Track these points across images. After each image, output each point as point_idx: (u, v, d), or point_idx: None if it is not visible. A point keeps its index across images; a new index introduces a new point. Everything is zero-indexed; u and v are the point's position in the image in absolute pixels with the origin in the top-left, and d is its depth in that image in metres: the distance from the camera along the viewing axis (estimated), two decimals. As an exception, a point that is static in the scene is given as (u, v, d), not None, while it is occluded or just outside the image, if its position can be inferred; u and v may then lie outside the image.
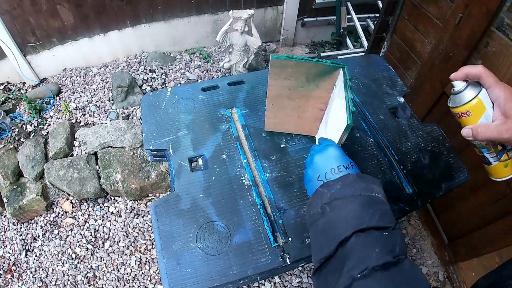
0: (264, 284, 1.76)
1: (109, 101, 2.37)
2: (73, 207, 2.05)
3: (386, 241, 0.46)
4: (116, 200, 2.09)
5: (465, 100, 0.61)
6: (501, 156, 0.64)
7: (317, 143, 0.73)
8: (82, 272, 1.84)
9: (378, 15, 2.33)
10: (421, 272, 0.46)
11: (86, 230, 1.97)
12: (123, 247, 1.91)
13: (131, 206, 2.07)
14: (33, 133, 2.21)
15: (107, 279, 1.81)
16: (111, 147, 2.09)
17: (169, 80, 2.52)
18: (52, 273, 1.85)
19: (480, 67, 0.58)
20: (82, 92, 2.43)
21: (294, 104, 0.88)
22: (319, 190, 0.57)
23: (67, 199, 2.06)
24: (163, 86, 2.50)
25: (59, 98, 2.41)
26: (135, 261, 1.86)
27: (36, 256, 1.92)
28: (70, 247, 1.92)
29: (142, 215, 2.04)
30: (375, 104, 1.13)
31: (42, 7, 2.19)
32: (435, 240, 1.92)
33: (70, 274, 1.84)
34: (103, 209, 2.05)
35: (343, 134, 0.69)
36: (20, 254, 1.92)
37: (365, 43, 2.64)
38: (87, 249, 1.91)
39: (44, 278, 1.84)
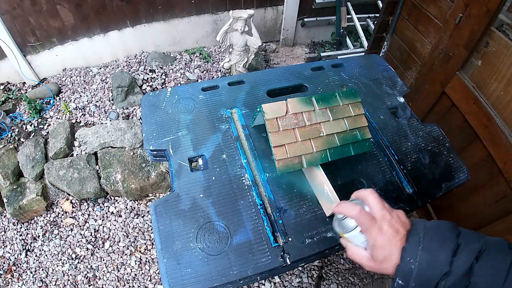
0: (264, 284, 1.76)
1: (109, 101, 2.36)
2: (73, 207, 2.05)
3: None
4: (116, 200, 2.09)
5: (342, 231, 0.64)
6: None
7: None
8: (82, 272, 1.84)
9: (378, 15, 2.33)
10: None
11: (86, 230, 1.97)
12: (123, 247, 1.91)
13: (131, 206, 2.07)
14: (33, 133, 2.20)
15: (107, 279, 1.81)
16: (111, 147, 2.09)
17: (169, 80, 2.52)
18: (52, 273, 1.85)
19: (353, 214, 0.60)
20: (82, 92, 2.43)
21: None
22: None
23: (67, 199, 2.06)
24: (163, 86, 2.50)
25: (59, 98, 2.41)
26: (135, 261, 1.86)
27: (36, 256, 1.92)
28: (70, 247, 1.92)
29: (142, 215, 2.04)
30: (375, 104, 1.13)
31: (42, 7, 2.19)
32: (435, 240, 1.91)
33: (70, 274, 1.84)
34: (103, 209, 2.05)
35: None
36: (20, 254, 1.92)
37: (365, 43, 2.64)
38: (87, 249, 1.91)
39: (44, 278, 1.84)
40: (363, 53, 2.62)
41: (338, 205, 0.64)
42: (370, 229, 0.58)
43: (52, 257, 1.90)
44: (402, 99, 1.16)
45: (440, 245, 0.52)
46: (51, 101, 2.39)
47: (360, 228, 0.61)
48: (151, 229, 1.97)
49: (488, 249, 0.51)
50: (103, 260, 1.87)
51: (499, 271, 0.49)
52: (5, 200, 1.95)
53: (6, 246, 1.96)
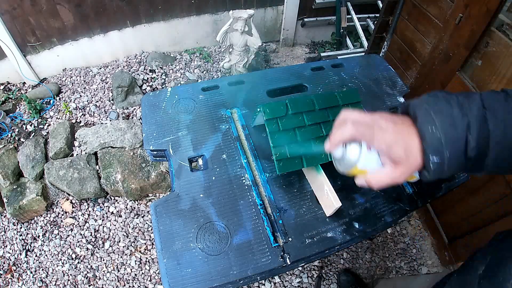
0: (264, 284, 1.76)
1: (109, 101, 2.36)
2: (73, 207, 2.05)
3: None
4: (116, 200, 2.09)
5: (351, 165, 0.57)
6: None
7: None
8: (82, 272, 1.84)
9: (378, 15, 2.33)
10: None
11: (86, 230, 1.97)
12: (123, 247, 1.91)
13: (131, 206, 2.07)
14: (33, 133, 2.20)
15: (107, 279, 1.81)
16: (111, 147, 2.09)
17: (169, 80, 2.52)
18: (52, 273, 1.85)
19: (349, 130, 0.54)
20: (82, 92, 2.43)
21: None
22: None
23: (67, 199, 2.06)
24: (163, 86, 2.50)
25: (59, 98, 2.41)
26: (135, 261, 1.86)
27: (36, 256, 1.92)
28: (70, 247, 1.92)
29: (142, 215, 2.04)
30: (375, 104, 1.13)
31: (42, 7, 2.19)
32: (435, 240, 1.92)
33: (70, 274, 1.84)
34: (103, 209, 2.05)
35: None
36: (20, 254, 1.92)
37: (365, 43, 2.64)
38: (87, 249, 1.91)
39: (44, 278, 1.84)
40: (363, 53, 2.62)
41: (329, 139, 0.57)
42: (372, 134, 0.52)
43: (52, 257, 1.90)
44: (402, 99, 1.17)
45: (446, 103, 0.49)
46: (51, 101, 2.39)
47: (365, 147, 0.54)
48: (151, 229, 1.97)
49: (486, 100, 0.48)
50: (103, 260, 1.87)
51: (509, 113, 0.47)
52: (5, 200, 1.95)
53: (6, 246, 1.96)
